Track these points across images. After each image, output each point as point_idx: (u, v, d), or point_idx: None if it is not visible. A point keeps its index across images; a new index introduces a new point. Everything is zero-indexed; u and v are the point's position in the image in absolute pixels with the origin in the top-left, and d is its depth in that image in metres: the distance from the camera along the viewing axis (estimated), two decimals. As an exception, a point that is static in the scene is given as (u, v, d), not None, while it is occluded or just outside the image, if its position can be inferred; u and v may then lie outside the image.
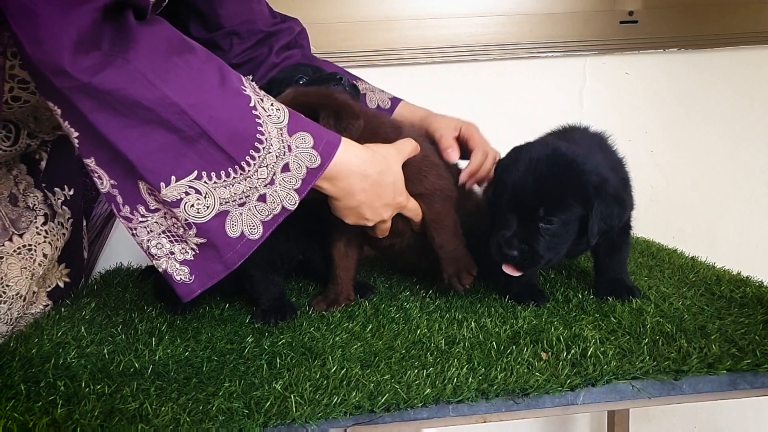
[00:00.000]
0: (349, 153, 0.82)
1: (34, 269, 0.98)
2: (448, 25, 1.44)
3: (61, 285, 1.07)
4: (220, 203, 0.74)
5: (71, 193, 1.08)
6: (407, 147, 0.92)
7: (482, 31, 1.45)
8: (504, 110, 1.49)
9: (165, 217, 0.75)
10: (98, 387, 0.71)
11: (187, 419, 0.63)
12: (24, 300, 0.98)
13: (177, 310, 1.00)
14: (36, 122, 0.95)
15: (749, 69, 1.53)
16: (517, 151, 0.94)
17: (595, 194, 0.86)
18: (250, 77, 1.10)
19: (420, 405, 0.68)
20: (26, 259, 0.96)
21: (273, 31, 1.13)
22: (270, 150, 0.75)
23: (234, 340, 0.86)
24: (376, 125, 0.95)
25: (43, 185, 1.02)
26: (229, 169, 0.74)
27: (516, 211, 0.89)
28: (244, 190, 0.75)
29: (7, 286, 0.94)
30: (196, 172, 0.72)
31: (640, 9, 1.47)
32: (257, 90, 0.79)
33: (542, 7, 1.45)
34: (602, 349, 0.77)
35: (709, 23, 1.49)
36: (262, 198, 0.77)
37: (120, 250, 1.41)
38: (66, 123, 0.72)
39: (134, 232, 0.76)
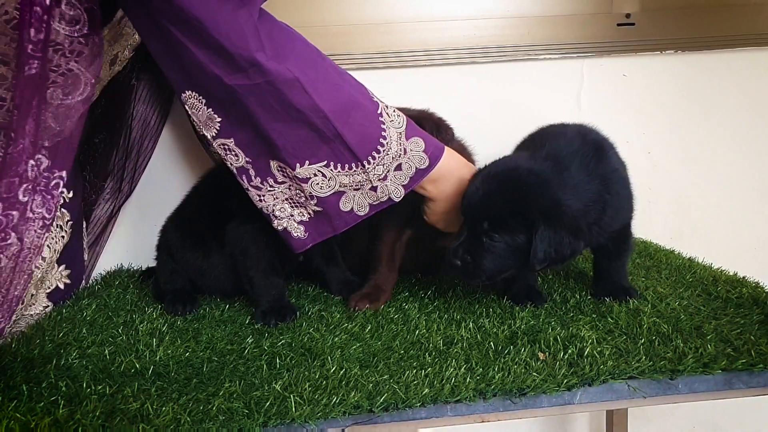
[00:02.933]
0: (451, 158, 0.94)
1: (32, 271, 0.98)
2: (447, 28, 1.45)
3: (61, 286, 1.08)
4: (339, 186, 0.88)
5: (70, 195, 1.09)
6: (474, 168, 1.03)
7: (480, 33, 1.45)
8: (502, 112, 1.49)
9: (290, 189, 0.89)
10: (100, 387, 0.71)
11: (188, 419, 0.64)
12: (22, 302, 0.98)
13: (177, 311, 1.00)
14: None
15: (746, 70, 1.53)
16: (488, 165, 0.93)
17: (541, 219, 0.83)
18: None
19: (418, 405, 0.68)
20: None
21: None
22: (389, 152, 0.88)
23: (234, 341, 0.87)
24: (458, 143, 1.10)
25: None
26: (353, 164, 0.87)
27: (467, 222, 0.89)
28: (361, 181, 0.88)
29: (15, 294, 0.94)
30: (326, 161, 0.86)
31: (637, 11, 1.47)
32: (378, 97, 0.90)
33: (540, 9, 1.46)
34: (599, 349, 0.77)
35: (706, 25, 1.49)
36: (374, 189, 0.89)
37: (120, 252, 1.41)
38: (210, 110, 0.83)
39: (262, 198, 0.90)
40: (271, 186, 0.88)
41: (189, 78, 0.81)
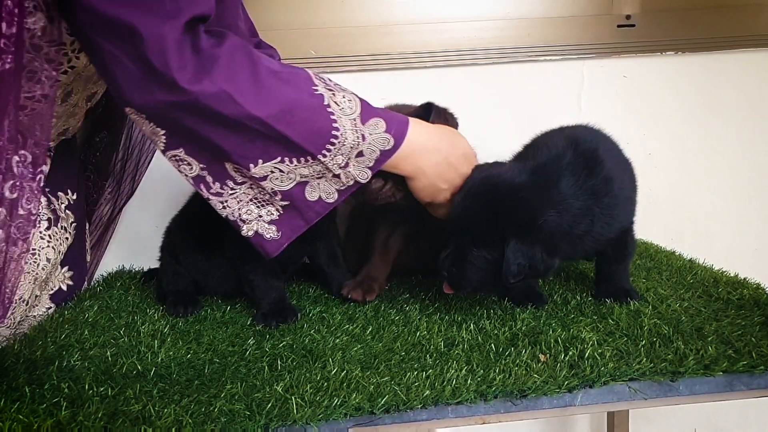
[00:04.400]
0: (420, 131, 0.89)
1: (37, 273, 0.99)
2: (447, 30, 1.45)
3: (64, 288, 1.08)
4: (300, 177, 0.84)
5: (74, 197, 1.09)
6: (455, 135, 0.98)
7: (481, 35, 1.45)
8: (502, 114, 1.49)
9: (251, 188, 0.85)
10: (101, 389, 0.72)
11: (190, 421, 0.64)
12: (26, 304, 0.99)
13: (179, 313, 1.01)
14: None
15: (747, 72, 1.53)
16: (475, 175, 0.93)
17: (513, 233, 0.83)
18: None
19: (419, 406, 0.68)
20: (29, 263, 0.97)
21: None
22: (345, 142, 0.83)
23: (235, 343, 0.87)
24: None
25: (47, 190, 1.02)
26: (309, 157, 0.83)
27: (452, 234, 0.90)
28: (321, 170, 0.84)
29: (15, 292, 0.95)
30: (279, 157, 0.82)
31: (637, 13, 1.48)
32: (328, 83, 0.86)
33: (540, 11, 1.46)
34: (600, 350, 0.77)
35: (707, 27, 1.49)
36: (337, 176, 0.86)
37: (122, 253, 1.41)
38: (152, 124, 0.79)
39: (225, 204, 0.86)
40: (232, 189, 0.85)
41: (126, 92, 0.77)
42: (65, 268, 1.08)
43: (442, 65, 1.46)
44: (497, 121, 1.49)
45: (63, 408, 0.67)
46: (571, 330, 0.85)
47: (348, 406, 0.67)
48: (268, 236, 0.87)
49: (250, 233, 0.87)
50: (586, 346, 0.79)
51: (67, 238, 1.06)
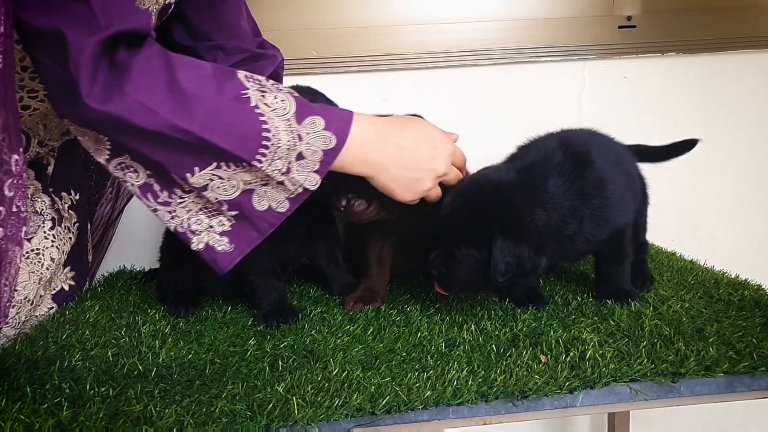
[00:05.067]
0: (364, 125, 0.82)
1: (41, 273, 0.99)
2: (448, 30, 1.45)
3: (66, 288, 1.08)
4: (244, 183, 0.80)
5: (77, 197, 1.09)
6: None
7: (481, 36, 1.46)
8: (503, 114, 1.50)
9: (199, 197, 0.81)
10: (103, 389, 0.72)
11: (191, 421, 0.64)
12: (31, 304, 0.99)
13: (180, 313, 1.01)
14: (45, 129, 0.97)
15: (748, 73, 1.54)
16: (466, 179, 0.94)
17: (500, 231, 0.83)
18: None
19: (420, 407, 0.68)
20: (34, 263, 0.98)
21: (259, 53, 1.13)
22: (279, 144, 0.77)
23: (236, 343, 0.87)
24: None
25: (51, 190, 1.03)
26: (244, 163, 0.78)
27: (442, 233, 0.90)
28: (263, 177, 0.80)
29: (16, 290, 0.95)
30: (215, 164, 0.78)
31: (638, 14, 1.48)
32: (262, 84, 0.80)
33: (541, 12, 1.46)
34: (601, 351, 0.77)
35: (707, 28, 1.50)
36: (281, 183, 0.81)
37: (123, 253, 1.41)
38: (93, 132, 0.76)
39: (174, 214, 0.81)
40: (180, 197, 0.80)
41: (57, 103, 0.74)
42: (67, 268, 1.08)
43: (443, 66, 1.46)
44: (497, 121, 1.49)
45: (64, 408, 0.67)
46: (572, 331, 0.85)
47: (349, 406, 0.67)
48: (219, 248, 0.82)
49: (201, 246, 0.82)
50: (587, 347, 0.79)
51: (70, 238, 1.06)
